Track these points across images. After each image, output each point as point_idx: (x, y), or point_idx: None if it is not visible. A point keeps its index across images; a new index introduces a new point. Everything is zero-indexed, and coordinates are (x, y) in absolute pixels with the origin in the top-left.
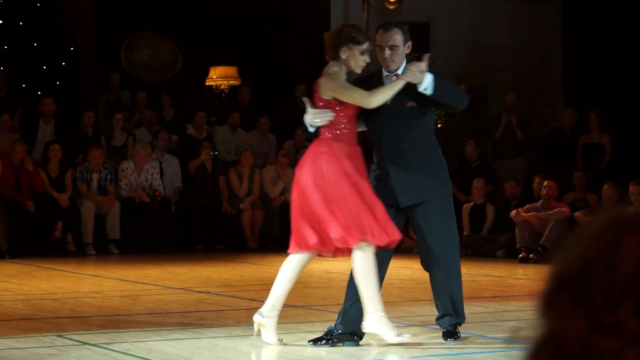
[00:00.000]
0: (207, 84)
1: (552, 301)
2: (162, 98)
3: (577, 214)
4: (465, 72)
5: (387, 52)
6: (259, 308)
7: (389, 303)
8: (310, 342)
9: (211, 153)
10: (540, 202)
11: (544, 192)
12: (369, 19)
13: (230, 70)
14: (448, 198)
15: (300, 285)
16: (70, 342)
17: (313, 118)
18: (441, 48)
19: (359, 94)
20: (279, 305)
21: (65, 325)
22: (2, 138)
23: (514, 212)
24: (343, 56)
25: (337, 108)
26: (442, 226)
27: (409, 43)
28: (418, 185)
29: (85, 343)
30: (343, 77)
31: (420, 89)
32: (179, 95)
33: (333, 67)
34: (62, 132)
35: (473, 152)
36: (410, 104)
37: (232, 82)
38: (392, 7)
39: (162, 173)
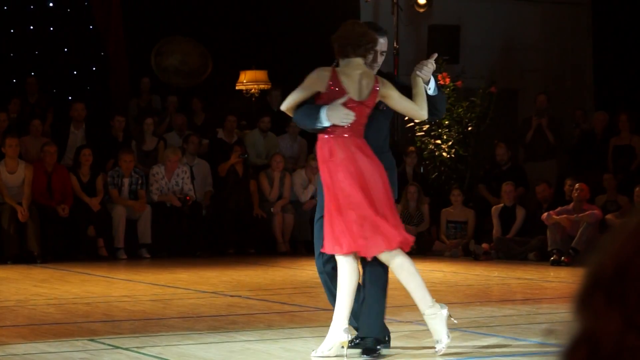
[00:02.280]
0: (237, 88)
1: (587, 300)
2: (193, 102)
3: (608, 216)
4: (496, 75)
5: (379, 57)
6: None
7: None
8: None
9: (240, 156)
10: (571, 204)
11: (576, 194)
12: (399, 23)
13: (261, 75)
14: None
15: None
16: (103, 346)
17: (344, 118)
18: (471, 51)
19: (412, 105)
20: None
21: (97, 329)
22: (34, 143)
23: (545, 214)
24: (367, 58)
25: (366, 110)
26: None
27: None
28: None
29: (117, 347)
30: None
31: (426, 87)
32: (209, 99)
33: (361, 64)
34: (93, 137)
35: (504, 155)
36: (383, 106)
37: (262, 86)
38: (421, 10)
39: (192, 177)
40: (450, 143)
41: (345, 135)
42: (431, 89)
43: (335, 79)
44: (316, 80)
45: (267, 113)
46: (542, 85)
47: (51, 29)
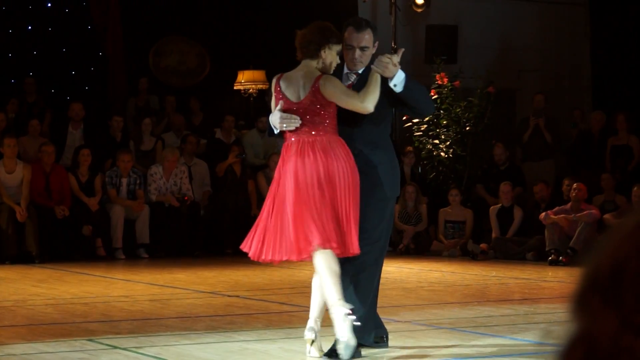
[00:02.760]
0: (235, 88)
1: (584, 300)
2: (191, 102)
3: (606, 216)
4: (493, 75)
5: (358, 52)
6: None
7: (419, 306)
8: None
9: (238, 156)
10: (569, 204)
11: (574, 194)
12: (397, 23)
13: (258, 74)
14: (384, 202)
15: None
16: (101, 346)
17: (282, 123)
18: (469, 50)
19: (356, 100)
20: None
21: (96, 329)
22: (32, 143)
23: (543, 214)
24: (323, 55)
25: (324, 109)
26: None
27: (377, 43)
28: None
29: (115, 347)
30: None
31: (390, 83)
32: (207, 99)
33: (308, 66)
34: (91, 137)
35: (502, 155)
36: None
37: (260, 86)
38: (419, 10)
39: (190, 177)
40: (448, 143)
41: (293, 139)
42: (397, 85)
43: (277, 85)
44: (271, 88)
45: (265, 113)
46: (539, 85)
47: (49, 29)
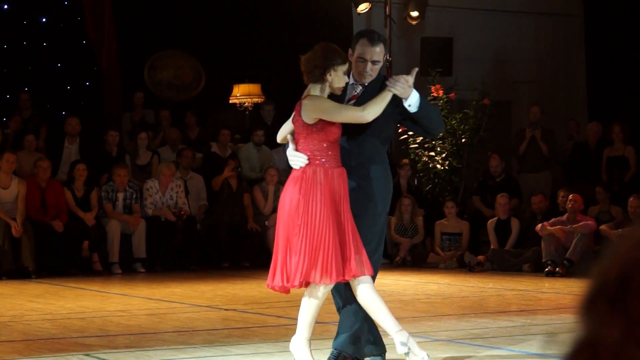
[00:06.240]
0: (230, 101)
1: (591, 306)
2: (186, 116)
3: (602, 227)
4: (489, 87)
5: (369, 66)
6: (295, 330)
7: (416, 318)
8: None
9: (234, 169)
10: (565, 215)
11: (570, 205)
12: (391, 35)
13: (254, 88)
14: (376, 217)
15: (328, 302)
16: None
17: (291, 160)
18: (464, 63)
19: (352, 111)
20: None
21: (93, 344)
22: (27, 158)
23: (539, 225)
24: (329, 79)
25: (319, 133)
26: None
27: (387, 56)
28: (354, 200)
29: None
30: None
31: (405, 104)
32: (202, 113)
33: (314, 90)
34: (87, 152)
35: (498, 167)
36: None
37: (255, 100)
38: (414, 22)
39: (187, 191)
40: (444, 155)
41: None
42: (411, 105)
43: (296, 107)
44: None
45: (261, 126)
46: (535, 96)
47: (44, 44)
